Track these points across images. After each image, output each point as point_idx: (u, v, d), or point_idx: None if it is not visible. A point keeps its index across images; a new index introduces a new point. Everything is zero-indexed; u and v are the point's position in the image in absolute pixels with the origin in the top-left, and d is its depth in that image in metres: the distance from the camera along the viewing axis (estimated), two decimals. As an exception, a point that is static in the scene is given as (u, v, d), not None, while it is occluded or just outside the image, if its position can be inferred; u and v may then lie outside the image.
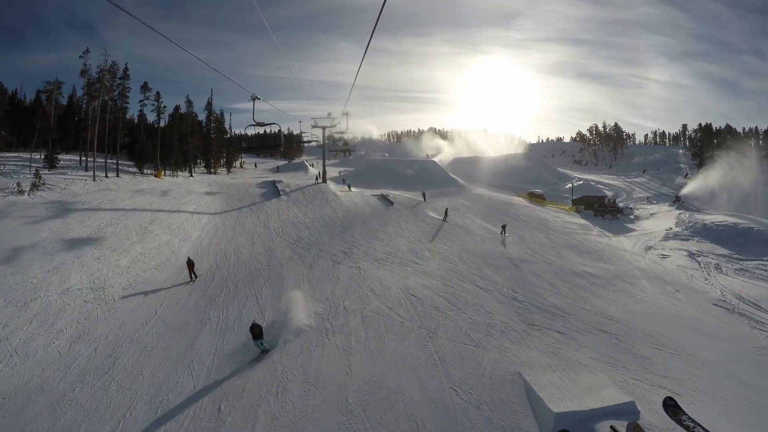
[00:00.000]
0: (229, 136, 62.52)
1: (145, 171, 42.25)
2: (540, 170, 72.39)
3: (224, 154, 58.78)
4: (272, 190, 37.37)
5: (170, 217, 27.54)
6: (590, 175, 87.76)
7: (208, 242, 24.69)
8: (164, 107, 44.86)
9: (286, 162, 69.70)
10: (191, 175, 46.55)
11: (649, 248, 36.07)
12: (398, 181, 52.36)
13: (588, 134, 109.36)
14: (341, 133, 45.34)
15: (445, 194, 46.63)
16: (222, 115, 64.42)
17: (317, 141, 44.96)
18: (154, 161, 42.05)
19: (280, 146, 24.15)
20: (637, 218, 51.94)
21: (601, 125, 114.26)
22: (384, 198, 38.89)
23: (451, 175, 56.37)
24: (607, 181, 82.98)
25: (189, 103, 53.25)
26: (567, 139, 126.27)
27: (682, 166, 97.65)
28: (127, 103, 38.87)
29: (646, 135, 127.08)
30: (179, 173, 46.02)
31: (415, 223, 31.30)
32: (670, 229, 43.43)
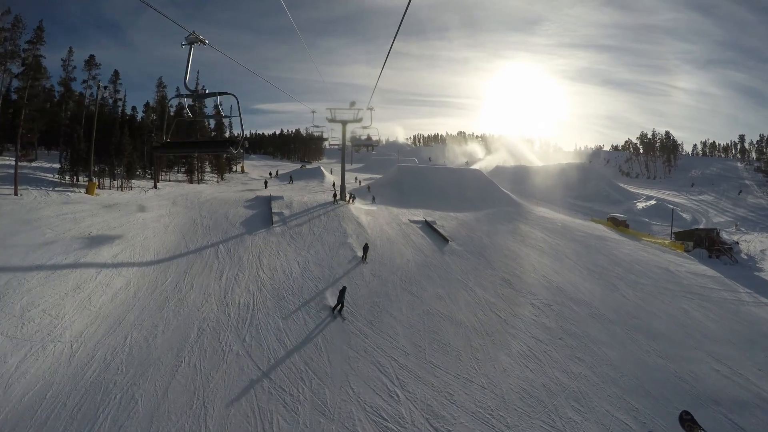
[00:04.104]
0: (228, 134, 47.67)
1: (82, 180, 27.31)
2: (600, 184, 56.64)
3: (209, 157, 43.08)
4: (264, 212, 23.20)
5: (49, 280, 13.54)
6: (647, 190, 71.65)
7: (82, 364, 10.58)
8: (118, 90, 31.17)
9: (299, 166, 54.15)
10: (155, 187, 31.86)
11: None
12: (438, 195, 37.63)
13: (638, 143, 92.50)
14: (365, 127, 31.01)
15: (505, 218, 31.86)
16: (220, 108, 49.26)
17: (336, 142, 30.50)
18: (89, 167, 26.76)
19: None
20: (752, 259, 36.19)
21: (650, 133, 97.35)
22: (431, 228, 24.44)
23: (504, 190, 41.31)
24: (669, 198, 66.73)
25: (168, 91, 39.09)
26: (607, 148, 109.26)
27: (747, 182, 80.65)
28: (39, 80, 24.72)
29: (695, 145, 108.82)
30: (134, 184, 30.52)
31: (497, 291, 16.69)
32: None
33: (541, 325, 14.55)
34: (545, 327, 14.45)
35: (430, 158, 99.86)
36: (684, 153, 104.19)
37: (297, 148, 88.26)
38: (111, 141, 27.90)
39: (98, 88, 28.05)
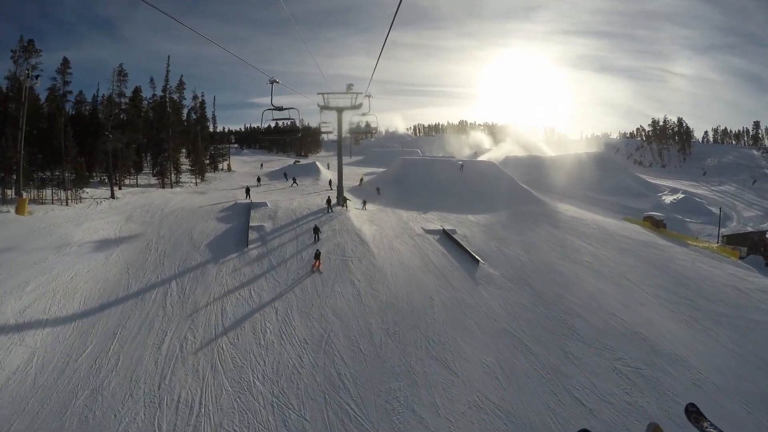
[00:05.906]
0: (213, 129, 41.89)
1: (13, 193, 21.31)
2: (621, 176, 51.73)
3: (186, 154, 37.83)
4: (240, 227, 18.07)
5: None
6: (664, 180, 66.80)
7: None
8: (68, 81, 25.83)
9: (292, 162, 47.50)
10: (113, 197, 25.52)
11: None
12: (449, 193, 32.58)
13: (651, 130, 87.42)
14: (364, 114, 25.86)
15: (532, 220, 26.93)
16: (202, 100, 43.18)
17: (329, 130, 25.32)
18: (19, 177, 20.53)
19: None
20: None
21: (662, 120, 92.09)
22: (453, 241, 19.41)
23: (523, 185, 36.18)
24: (690, 189, 61.87)
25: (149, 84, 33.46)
26: (613, 135, 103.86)
27: (766, 171, 76.02)
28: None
29: (705, 132, 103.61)
30: (88, 193, 24.67)
31: (564, 348, 11.76)
32: None
33: (639, 411, 9.68)
34: (646, 415, 9.58)
35: (459, 162, 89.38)
36: (694, 140, 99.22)
37: (292, 141, 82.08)
38: (52, 144, 22.36)
39: (26, 77, 22.08)
